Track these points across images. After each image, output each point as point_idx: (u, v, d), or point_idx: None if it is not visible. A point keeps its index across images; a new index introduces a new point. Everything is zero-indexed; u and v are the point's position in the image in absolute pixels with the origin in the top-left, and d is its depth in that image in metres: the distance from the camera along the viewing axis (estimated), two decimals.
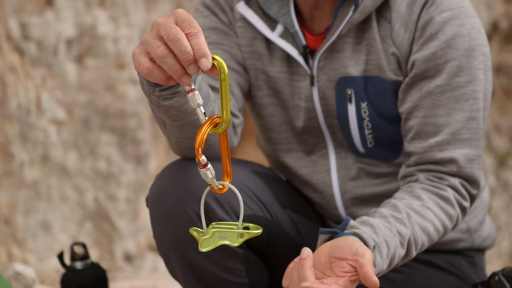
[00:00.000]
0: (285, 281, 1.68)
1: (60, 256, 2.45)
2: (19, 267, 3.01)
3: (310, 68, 1.98)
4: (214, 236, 1.60)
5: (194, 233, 1.62)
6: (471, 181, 1.89)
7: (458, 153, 1.87)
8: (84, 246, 2.44)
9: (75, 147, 3.52)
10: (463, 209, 1.89)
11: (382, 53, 1.92)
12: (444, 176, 1.88)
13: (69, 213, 3.53)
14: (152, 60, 1.54)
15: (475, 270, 2.10)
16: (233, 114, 1.98)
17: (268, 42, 2.02)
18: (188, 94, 1.54)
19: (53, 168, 3.50)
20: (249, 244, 1.92)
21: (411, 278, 2.05)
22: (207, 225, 1.63)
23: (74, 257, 2.44)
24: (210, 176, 1.56)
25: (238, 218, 1.85)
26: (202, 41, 1.49)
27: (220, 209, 1.86)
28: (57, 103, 3.49)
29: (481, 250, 2.14)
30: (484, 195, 2.13)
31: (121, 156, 3.59)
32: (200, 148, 1.53)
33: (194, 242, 1.84)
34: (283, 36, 1.98)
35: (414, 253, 1.80)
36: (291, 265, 1.68)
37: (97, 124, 3.54)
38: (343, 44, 1.94)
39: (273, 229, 1.97)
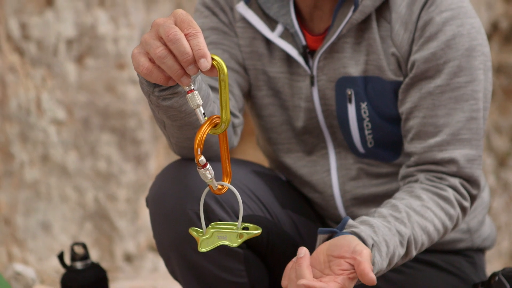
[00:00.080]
0: (284, 281, 1.68)
1: (60, 256, 2.45)
2: (19, 267, 3.01)
3: (310, 68, 1.98)
4: (213, 237, 1.60)
5: (194, 233, 1.62)
6: (471, 181, 1.89)
7: (458, 153, 1.87)
8: (84, 246, 2.44)
9: (75, 147, 3.52)
10: (463, 209, 1.89)
11: (382, 53, 1.92)
12: (444, 176, 1.88)
13: (69, 213, 3.53)
14: (151, 60, 1.54)
15: (475, 270, 2.10)
16: (233, 114, 1.98)
17: (268, 42, 2.02)
18: (187, 94, 1.54)
19: (53, 168, 3.50)
20: (249, 244, 1.92)
21: (411, 278, 2.05)
22: (207, 225, 1.63)
23: (74, 257, 2.44)
24: (209, 177, 1.56)
25: (238, 218, 1.85)
26: (201, 42, 1.49)
27: (220, 209, 1.86)
28: (57, 103, 3.49)
29: (481, 250, 2.14)
30: (484, 195, 2.13)
31: (121, 156, 3.59)
32: (199, 149, 1.53)
33: (194, 242, 1.84)
34: (283, 36, 1.98)
35: (414, 253, 1.80)
36: (289, 264, 1.69)
37: (97, 124, 3.54)
38: (343, 44, 1.94)
39: (273, 229, 1.97)
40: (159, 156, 3.67)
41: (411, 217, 1.79)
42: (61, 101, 3.49)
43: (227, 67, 1.99)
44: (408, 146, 1.92)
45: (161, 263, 3.63)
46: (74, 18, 3.48)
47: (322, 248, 1.68)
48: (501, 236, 3.89)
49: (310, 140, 2.05)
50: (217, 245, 1.60)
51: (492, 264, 3.69)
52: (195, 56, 1.49)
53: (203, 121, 1.54)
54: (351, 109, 1.96)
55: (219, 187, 1.58)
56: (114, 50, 3.54)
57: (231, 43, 2.03)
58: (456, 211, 1.87)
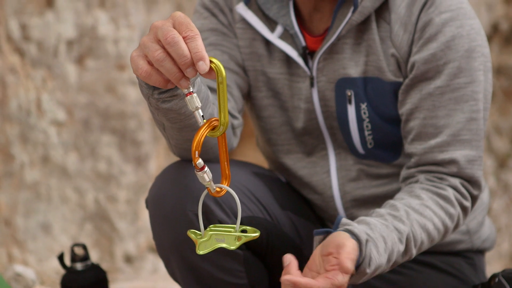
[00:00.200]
0: None
1: (60, 257, 2.46)
2: (19, 268, 3.01)
3: (310, 69, 1.98)
4: (211, 239, 1.60)
5: (192, 236, 1.62)
6: (472, 182, 1.89)
7: (458, 154, 1.87)
8: (84, 247, 2.44)
9: (75, 148, 3.52)
10: (464, 209, 1.89)
11: (382, 54, 1.92)
12: (444, 176, 1.88)
13: (69, 214, 3.53)
14: (150, 63, 1.54)
15: (475, 271, 2.10)
16: (232, 115, 1.98)
17: (267, 43, 2.02)
18: (186, 97, 1.54)
19: (53, 169, 3.50)
20: (248, 245, 1.92)
21: (410, 280, 2.05)
22: (207, 227, 1.63)
23: (74, 258, 2.44)
24: (207, 179, 1.55)
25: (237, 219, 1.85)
26: (199, 44, 1.49)
27: (220, 210, 1.86)
28: (58, 104, 3.49)
29: (481, 252, 2.14)
30: (484, 196, 2.13)
31: (121, 157, 3.59)
32: (197, 152, 1.52)
33: (193, 244, 1.84)
34: (282, 37, 1.98)
35: (414, 251, 1.80)
36: (282, 277, 1.68)
37: (97, 125, 3.54)
38: (342, 45, 1.94)
39: (272, 230, 1.97)
40: (159, 157, 3.67)
41: (410, 215, 1.79)
42: (61, 102, 3.50)
43: (226, 68, 2.00)
44: (409, 147, 1.92)
45: (161, 264, 3.63)
46: (75, 19, 3.48)
47: (317, 251, 1.69)
48: (501, 237, 3.89)
49: (310, 141, 2.05)
50: (215, 247, 1.60)
51: (492, 266, 3.69)
52: (193, 59, 1.49)
53: (201, 124, 1.54)
54: (351, 110, 1.96)
55: (218, 189, 1.58)
56: (115, 51, 3.54)
57: (231, 44, 2.03)
58: (456, 210, 1.87)
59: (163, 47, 1.50)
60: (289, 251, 1.99)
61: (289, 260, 1.67)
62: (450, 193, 1.86)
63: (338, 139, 2.02)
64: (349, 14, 1.89)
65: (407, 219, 1.79)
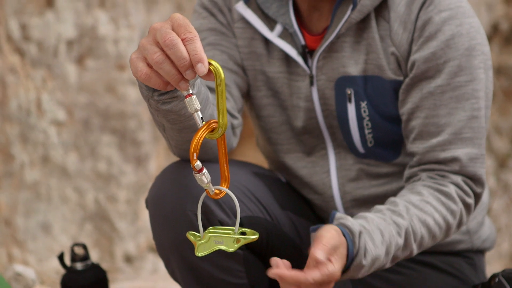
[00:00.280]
0: None
1: (61, 257, 2.46)
2: (19, 268, 3.01)
3: (309, 68, 1.98)
4: (210, 241, 1.60)
5: (191, 238, 1.61)
6: (475, 180, 1.89)
7: (460, 152, 1.88)
8: (84, 247, 2.45)
9: (75, 148, 3.53)
10: (467, 206, 1.89)
11: (382, 52, 1.92)
12: (446, 174, 1.88)
13: (69, 214, 3.54)
14: (149, 65, 1.53)
15: (474, 271, 2.10)
16: (232, 115, 1.98)
17: (266, 42, 2.02)
18: (185, 98, 1.53)
19: (53, 169, 3.50)
20: (248, 245, 1.92)
21: (410, 279, 2.05)
22: (207, 227, 1.63)
23: (74, 258, 2.44)
24: (206, 181, 1.55)
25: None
26: (198, 46, 1.49)
27: (220, 211, 1.86)
28: (58, 104, 3.49)
29: (481, 252, 2.14)
30: (484, 196, 2.13)
31: (121, 157, 3.59)
32: (195, 154, 1.52)
33: (193, 244, 1.84)
34: (282, 36, 1.98)
35: (414, 246, 1.80)
36: (268, 271, 1.68)
37: (97, 125, 3.54)
38: (342, 43, 1.94)
39: (272, 230, 1.98)
40: (159, 157, 3.67)
41: (409, 210, 1.80)
42: (61, 102, 3.50)
43: (225, 68, 2.00)
44: (411, 147, 1.92)
45: (161, 264, 3.63)
46: (75, 19, 3.48)
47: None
48: (501, 237, 3.89)
49: (310, 140, 2.05)
50: (214, 249, 1.60)
51: (492, 266, 3.69)
52: (192, 61, 1.49)
53: (201, 126, 1.54)
54: (351, 108, 1.96)
55: (216, 191, 1.58)
56: (115, 51, 3.54)
57: (230, 44, 2.03)
58: (458, 207, 1.86)
59: (162, 50, 1.50)
60: (289, 251, 1.99)
61: (276, 263, 1.65)
62: (451, 189, 1.87)
63: (338, 138, 2.02)
64: (348, 12, 1.89)
65: (406, 214, 1.79)
